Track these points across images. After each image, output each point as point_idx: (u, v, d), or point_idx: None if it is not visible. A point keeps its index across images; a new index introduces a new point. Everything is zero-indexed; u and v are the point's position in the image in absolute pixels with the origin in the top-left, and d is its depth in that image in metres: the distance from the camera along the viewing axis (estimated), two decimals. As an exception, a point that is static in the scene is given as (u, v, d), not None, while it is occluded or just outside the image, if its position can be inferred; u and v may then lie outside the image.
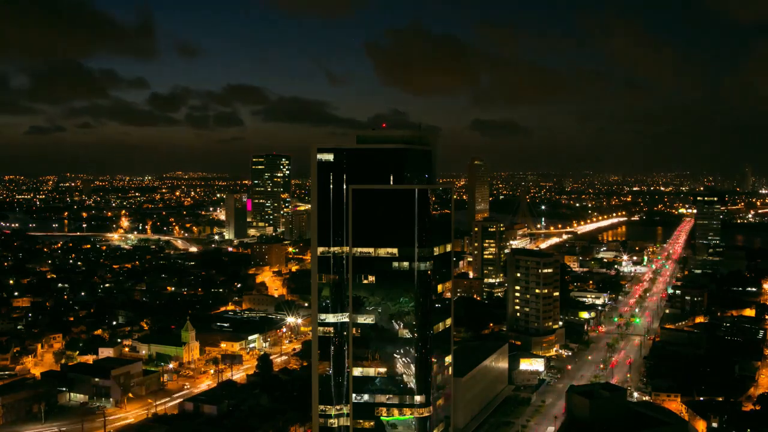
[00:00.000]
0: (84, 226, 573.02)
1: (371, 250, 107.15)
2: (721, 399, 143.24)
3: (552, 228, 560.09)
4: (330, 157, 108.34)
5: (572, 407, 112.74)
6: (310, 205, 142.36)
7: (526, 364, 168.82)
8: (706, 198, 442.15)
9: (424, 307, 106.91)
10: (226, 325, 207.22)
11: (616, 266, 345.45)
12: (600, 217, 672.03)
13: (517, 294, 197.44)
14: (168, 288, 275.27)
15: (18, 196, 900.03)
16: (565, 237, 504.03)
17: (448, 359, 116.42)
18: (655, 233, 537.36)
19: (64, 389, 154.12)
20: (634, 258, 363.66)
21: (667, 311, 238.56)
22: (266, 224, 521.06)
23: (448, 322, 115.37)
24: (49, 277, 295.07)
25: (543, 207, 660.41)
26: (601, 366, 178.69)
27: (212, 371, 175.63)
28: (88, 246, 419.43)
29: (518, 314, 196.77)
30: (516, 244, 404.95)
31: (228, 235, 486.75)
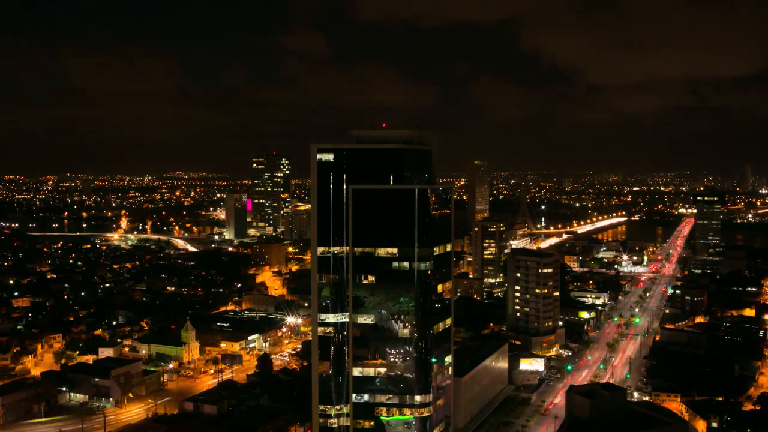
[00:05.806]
0: (84, 226, 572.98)
1: (371, 249, 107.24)
2: (721, 399, 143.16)
3: (552, 228, 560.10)
4: (330, 156, 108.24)
5: (572, 407, 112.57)
6: (310, 205, 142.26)
7: (526, 364, 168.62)
8: (706, 198, 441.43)
9: (424, 307, 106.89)
10: (226, 325, 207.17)
11: (616, 266, 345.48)
12: (600, 217, 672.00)
13: (517, 294, 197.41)
14: (168, 288, 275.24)
15: (18, 196, 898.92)
16: (565, 237, 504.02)
17: (448, 359, 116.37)
18: (655, 233, 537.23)
19: (64, 389, 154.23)
20: (634, 258, 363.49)
21: (667, 311, 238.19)
22: (266, 224, 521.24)
23: (448, 322, 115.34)
24: (49, 277, 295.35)
25: (543, 207, 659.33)
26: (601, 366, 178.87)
27: (212, 371, 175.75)
28: (88, 246, 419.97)
29: (518, 314, 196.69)
30: (516, 244, 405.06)
31: (228, 235, 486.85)
